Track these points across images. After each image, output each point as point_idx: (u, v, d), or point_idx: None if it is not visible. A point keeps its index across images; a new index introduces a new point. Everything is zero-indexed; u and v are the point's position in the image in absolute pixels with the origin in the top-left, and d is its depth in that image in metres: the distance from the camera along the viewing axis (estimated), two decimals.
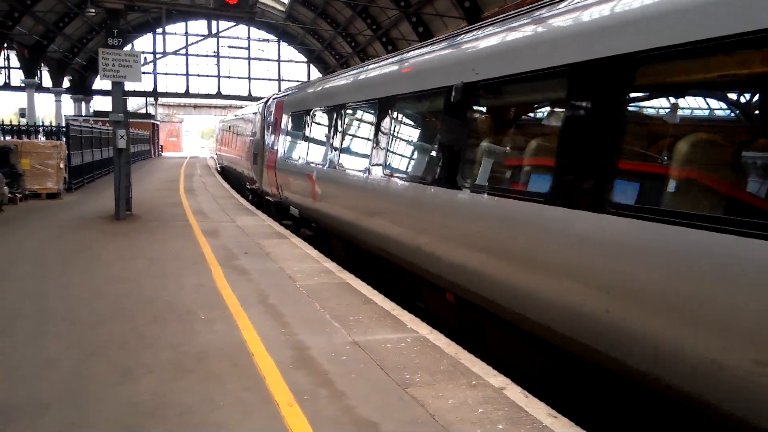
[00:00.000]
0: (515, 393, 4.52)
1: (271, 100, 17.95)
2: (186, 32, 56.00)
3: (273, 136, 16.15)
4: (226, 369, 4.94)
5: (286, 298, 7.13)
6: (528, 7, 5.92)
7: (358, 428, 3.94)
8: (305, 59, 58.98)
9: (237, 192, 21.88)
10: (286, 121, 14.90)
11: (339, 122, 10.44)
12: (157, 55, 52.50)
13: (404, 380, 4.73)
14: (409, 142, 8.17)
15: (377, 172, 8.25)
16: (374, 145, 8.57)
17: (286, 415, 4.10)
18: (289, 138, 14.51)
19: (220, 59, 57.80)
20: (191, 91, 57.91)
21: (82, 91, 53.16)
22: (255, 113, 20.18)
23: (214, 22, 39.77)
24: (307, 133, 12.61)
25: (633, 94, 4.24)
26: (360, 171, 8.95)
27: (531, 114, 5.85)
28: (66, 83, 50.42)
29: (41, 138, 21.78)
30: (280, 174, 14.50)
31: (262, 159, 17.73)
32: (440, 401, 4.35)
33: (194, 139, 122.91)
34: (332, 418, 4.07)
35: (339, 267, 8.99)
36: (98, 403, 4.28)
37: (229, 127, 30.30)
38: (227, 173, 30.75)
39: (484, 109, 6.30)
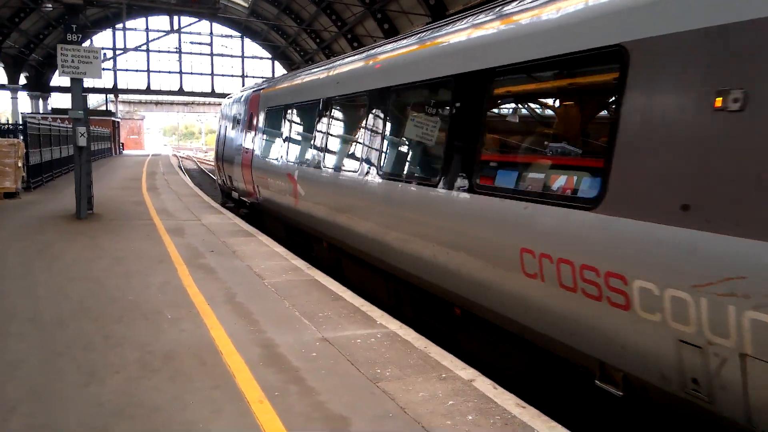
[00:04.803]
0: (484, 385, 4.59)
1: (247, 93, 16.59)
2: (147, 28, 55.19)
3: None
4: (194, 367, 4.91)
5: (254, 296, 7.10)
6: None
7: (330, 423, 3.96)
8: (269, 56, 58.62)
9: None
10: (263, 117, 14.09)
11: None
12: (118, 51, 51.53)
13: (375, 375, 4.77)
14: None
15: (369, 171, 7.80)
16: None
17: (256, 411, 4.10)
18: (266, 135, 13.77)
19: (182, 55, 57.10)
20: (153, 87, 57.13)
21: (39, 87, 51.90)
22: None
23: (176, 18, 39.20)
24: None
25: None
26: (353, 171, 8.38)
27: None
28: (23, 80, 49.21)
29: None
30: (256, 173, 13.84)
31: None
32: (410, 395, 4.40)
33: (156, 137, 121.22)
34: (303, 414, 4.08)
35: (307, 264, 8.98)
36: (65, 404, 4.22)
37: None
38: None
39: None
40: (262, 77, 57.41)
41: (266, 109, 13.62)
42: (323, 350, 5.33)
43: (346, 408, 4.18)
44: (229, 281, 7.78)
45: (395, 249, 6.92)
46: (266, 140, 13.38)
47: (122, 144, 64.47)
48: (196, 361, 5.04)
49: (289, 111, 11.86)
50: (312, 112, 10.42)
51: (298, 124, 11.68)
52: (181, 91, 58.04)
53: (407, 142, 7.64)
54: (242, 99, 16.61)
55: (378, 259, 7.51)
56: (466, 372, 4.85)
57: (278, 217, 12.57)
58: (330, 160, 9.48)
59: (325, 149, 9.67)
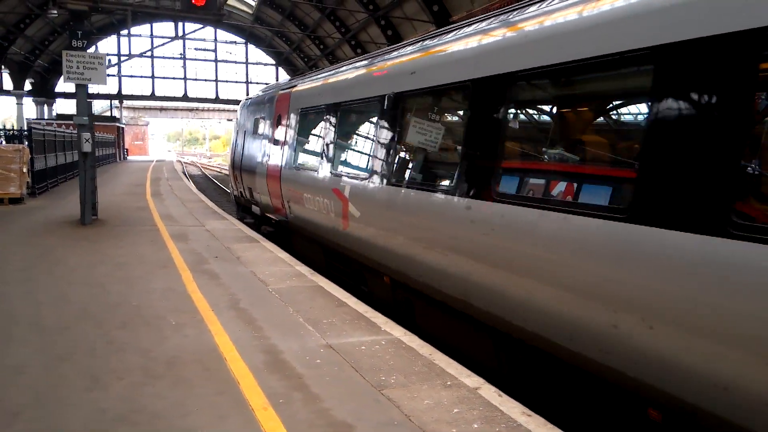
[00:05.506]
0: (489, 393, 4.56)
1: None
2: (151, 34, 55.29)
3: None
4: (198, 374, 4.88)
5: (258, 302, 7.07)
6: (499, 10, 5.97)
7: (334, 430, 3.93)
8: (273, 62, 58.69)
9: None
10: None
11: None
12: (122, 58, 51.78)
13: (379, 382, 4.74)
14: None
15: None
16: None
17: (261, 419, 4.07)
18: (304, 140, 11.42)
19: (187, 61, 57.18)
20: (157, 93, 57.17)
21: (44, 93, 52.01)
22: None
23: (180, 24, 39.37)
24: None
25: None
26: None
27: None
28: (28, 86, 49.36)
29: (2, 142, 21.29)
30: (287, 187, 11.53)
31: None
32: (415, 402, 4.36)
33: (160, 143, 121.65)
34: (307, 421, 4.05)
35: (311, 270, 8.96)
36: (68, 409, 4.20)
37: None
38: None
39: None
40: (266, 83, 57.51)
41: (300, 109, 11.36)
42: (327, 357, 5.30)
43: (350, 415, 4.14)
44: (233, 287, 7.76)
45: (519, 302, 4.95)
46: (301, 147, 11.25)
47: (126, 150, 64.71)
48: (199, 367, 5.01)
49: (335, 111, 9.50)
50: (370, 111, 8.26)
51: (348, 127, 9.52)
52: (185, 97, 58.10)
53: (563, 153, 5.23)
54: (266, 99, 14.43)
55: (486, 312, 5.43)
56: (471, 380, 4.82)
57: (315, 239, 10.35)
58: (405, 175, 7.15)
59: (395, 160, 7.32)
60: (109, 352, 5.37)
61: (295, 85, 12.41)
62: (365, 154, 8.45)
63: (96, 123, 18.26)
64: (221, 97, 58.32)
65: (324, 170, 9.40)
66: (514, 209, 4.99)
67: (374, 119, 7.98)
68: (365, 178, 7.85)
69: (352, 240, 8.31)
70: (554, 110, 5.59)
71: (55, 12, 31.95)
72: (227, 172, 49.18)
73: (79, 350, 5.39)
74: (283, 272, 8.71)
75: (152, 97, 57.91)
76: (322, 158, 9.65)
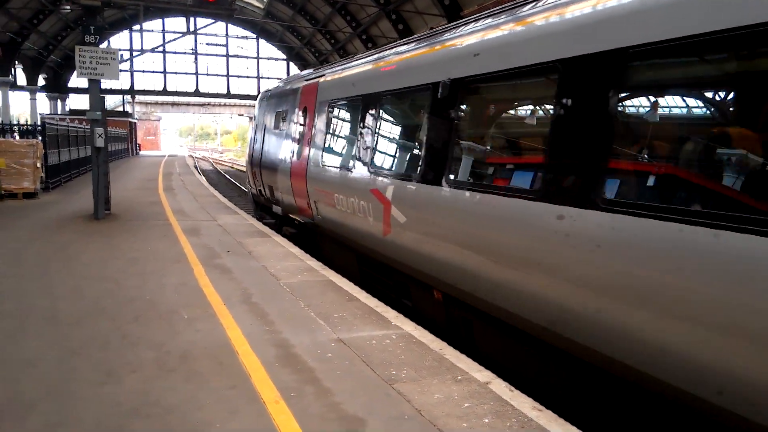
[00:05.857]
0: (500, 387, 4.56)
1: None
2: (163, 29, 55.48)
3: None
4: (210, 367, 4.92)
5: (269, 297, 7.11)
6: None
7: (345, 424, 3.95)
8: (284, 57, 58.78)
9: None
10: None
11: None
12: (134, 53, 51.98)
13: (390, 376, 4.75)
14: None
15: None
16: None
17: (272, 412, 4.10)
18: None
19: (198, 56, 57.36)
20: (169, 88, 57.45)
21: (57, 89, 52.37)
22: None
23: (192, 19, 39.42)
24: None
25: None
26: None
27: None
28: (41, 81, 49.71)
29: (16, 137, 21.46)
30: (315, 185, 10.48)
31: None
32: (426, 396, 4.38)
33: (172, 138, 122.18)
34: (319, 415, 4.07)
35: (322, 265, 8.98)
36: (82, 402, 4.24)
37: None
38: None
39: None
40: (278, 78, 57.64)
41: (329, 101, 10.30)
42: (338, 351, 5.32)
43: (361, 409, 4.16)
44: (245, 281, 7.80)
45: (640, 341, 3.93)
46: (331, 143, 10.29)
47: (139, 145, 65.01)
48: (212, 361, 5.05)
49: (375, 103, 8.35)
50: (421, 101, 7.16)
51: (392, 120, 8.55)
52: (197, 92, 58.32)
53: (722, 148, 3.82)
54: (288, 92, 13.37)
55: (583, 347, 4.46)
56: (481, 374, 4.82)
57: (347, 245, 9.37)
58: (470, 175, 6.07)
59: (456, 158, 6.23)
60: (122, 346, 5.42)
61: (323, 75, 11.24)
62: (414, 151, 7.46)
63: (108, 118, 18.37)
64: (233, 92, 58.49)
65: (360, 169, 8.40)
66: (633, 221, 3.91)
67: (426, 110, 6.79)
68: (413, 179, 6.80)
69: (394, 248, 7.34)
70: (704, 92, 4.20)
71: (68, 7, 32.11)
72: (238, 167, 49.24)
73: (93, 344, 5.45)
74: (295, 267, 8.74)
75: (164, 92, 58.16)
76: (357, 155, 8.62)
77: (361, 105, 8.83)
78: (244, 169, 50.76)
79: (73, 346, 5.38)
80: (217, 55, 58.19)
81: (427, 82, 6.77)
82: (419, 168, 6.77)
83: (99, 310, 6.51)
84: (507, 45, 5.56)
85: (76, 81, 50.88)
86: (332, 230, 9.86)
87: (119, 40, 55.20)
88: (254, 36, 58.05)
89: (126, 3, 14.79)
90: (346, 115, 9.90)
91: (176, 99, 69.86)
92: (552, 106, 4.93)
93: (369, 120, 8.48)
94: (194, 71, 57.36)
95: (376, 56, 9.14)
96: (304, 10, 44.90)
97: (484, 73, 5.84)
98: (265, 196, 14.88)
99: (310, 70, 13.52)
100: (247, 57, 58.94)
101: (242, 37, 58.46)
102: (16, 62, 43.88)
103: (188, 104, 76.95)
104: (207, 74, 58.12)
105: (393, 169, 7.92)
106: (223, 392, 4.43)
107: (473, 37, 6.20)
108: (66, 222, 12.99)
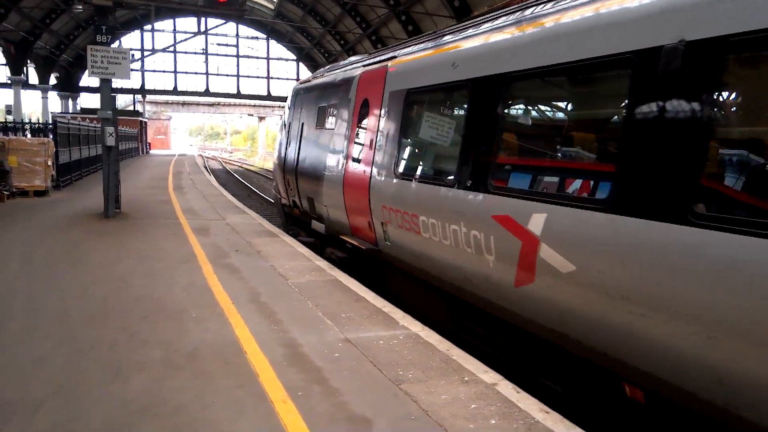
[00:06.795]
0: (507, 389, 4.55)
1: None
2: (174, 29, 55.73)
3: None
4: (218, 367, 4.93)
5: (278, 296, 7.12)
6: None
7: (352, 424, 3.95)
8: (294, 57, 58.88)
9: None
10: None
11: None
12: (146, 53, 52.21)
13: (397, 376, 4.75)
14: None
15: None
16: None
17: (280, 411, 4.11)
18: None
19: (209, 57, 57.53)
20: (179, 88, 57.66)
21: (69, 88, 52.74)
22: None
23: (203, 20, 39.60)
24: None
25: None
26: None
27: None
28: (53, 80, 50.07)
29: (28, 135, 21.64)
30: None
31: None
32: (433, 397, 4.37)
33: (182, 137, 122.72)
34: (326, 414, 4.08)
35: (330, 265, 8.99)
36: (90, 401, 4.27)
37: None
38: None
39: None
40: (287, 79, 57.76)
41: (407, 91, 7.80)
42: (346, 351, 5.33)
43: (369, 409, 4.17)
44: (254, 281, 7.82)
45: None
46: (414, 146, 7.98)
47: (149, 144, 65.36)
48: (220, 360, 5.06)
49: (502, 88, 5.73)
50: (605, 83, 5.17)
51: (541, 111, 6.62)
52: (207, 92, 58.51)
53: None
54: (337, 82, 10.81)
55: None
56: (488, 375, 4.82)
57: (436, 285, 6.89)
58: (730, 204, 3.78)
59: (696, 170, 3.69)
60: (131, 344, 5.44)
61: (394, 57, 8.58)
62: (591, 159, 5.22)
63: (119, 117, 18.44)
64: (242, 92, 58.67)
65: (470, 183, 5.97)
66: None
67: (629, 94, 4.25)
68: (597, 206, 4.37)
69: (538, 308, 5.00)
70: None
71: (80, 7, 32.40)
72: (247, 167, 49.14)
73: (102, 343, 5.48)
74: (303, 266, 8.76)
75: (174, 91, 58.39)
76: (465, 164, 6.14)
77: (471, 93, 6.26)
78: (252, 168, 51.00)
79: (81, 345, 5.41)
80: (227, 56, 58.36)
81: (626, 50, 4.26)
82: (612, 190, 4.28)
83: (108, 309, 6.54)
84: None
85: (87, 80, 51.21)
86: (410, 263, 7.54)
87: (130, 40, 55.58)
88: (264, 36, 58.19)
89: (137, 3, 14.87)
90: (441, 109, 7.49)
91: (186, 99, 70.19)
92: None
93: (490, 114, 5.89)
94: (204, 71, 57.53)
95: (499, 22, 6.19)
96: (315, 11, 44.98)
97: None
98: (302, 209, 12.43)
99: (364, 55, 11.07)
100: (257, 57, 59.08)
101: (252, 38, 58.61)
102: (29, 61, 44.21)
103: (198, 104, 77.32)
104: (217, 74, 58.30)
105: (543, 187, 5.44)
106: (231, 391, 4.45)
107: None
108: (76, 220, 13.07)
